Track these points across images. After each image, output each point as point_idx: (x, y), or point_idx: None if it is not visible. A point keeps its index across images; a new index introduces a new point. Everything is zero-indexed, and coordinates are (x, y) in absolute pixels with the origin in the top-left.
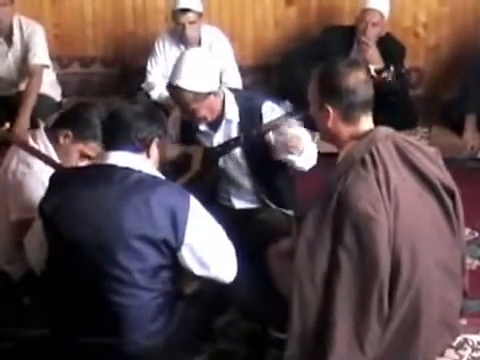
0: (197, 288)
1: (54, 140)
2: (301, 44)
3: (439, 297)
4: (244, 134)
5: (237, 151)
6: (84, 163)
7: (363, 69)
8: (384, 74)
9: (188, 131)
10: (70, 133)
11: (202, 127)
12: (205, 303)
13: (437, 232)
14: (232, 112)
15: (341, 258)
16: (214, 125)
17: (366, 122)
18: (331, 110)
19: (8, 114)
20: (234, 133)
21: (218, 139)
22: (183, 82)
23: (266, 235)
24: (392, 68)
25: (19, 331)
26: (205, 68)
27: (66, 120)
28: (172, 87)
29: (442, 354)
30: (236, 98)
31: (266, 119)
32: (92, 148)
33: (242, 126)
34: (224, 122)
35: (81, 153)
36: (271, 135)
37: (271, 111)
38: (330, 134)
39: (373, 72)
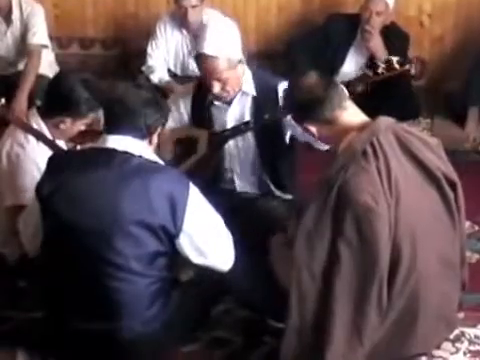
0: (194, 275)
1: (54, 127)
2: (304, 31)
3: (438, 289)
4: (255, 119)
5: (248, 135)
6: (82, 127)
7: (310, 75)
8: (407, 66)
9: (200, 107)
10: (67, 119)
11: (216, 101)
12: (202, 291)
13: (438, 224)
14: (248, 85)
15: (341, 250)
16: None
17: (350, 115)
18: (311, 126)
19: (6, 94)
20: (248, 108)
21: (233, 113)
22: (215, 50)
23: (267, 224)
24: (415, 61)
25: (14, 314)
26: (232, 35)
27: (57, 106)
28: (203, 57)
29: (439, 347)
30: (253, 73)
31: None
32: (93, 119)
33: (257, 102)
34: (239, 95)
35: (87, 125)
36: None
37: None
38: (324, 139)
39: (396, 64)
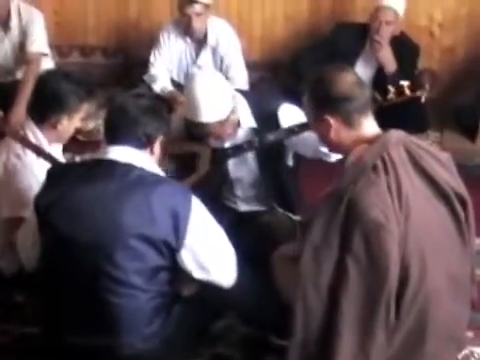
0: (195, 291)
1: (52, 129)
2: (311, 41)
3: (447, 308)
4: (259, 138)
5: (249, 154)
6: (79, 124)
7: (351, 72)
8: (418, 93)
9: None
10: (62, 117)
11: None
12: (203, 306)
13: (447, 242)
14: (247, 119)
15: (349, 266)
16: None
17: (369, 125)
18: (331, 120)
19: (3, 102)
20: (248, 137)
21: (229, 142)
22: (206, 117)
23: (270, 239)
24: (428, 87)
25: (10, 328)
26: (219, 93)
27: (48, 106)
28: (193, 123)
29: None
30: (249, 103)
31: (284, 122)
32: (85, 110)
33: (257, 131)
34: (239, 130)
35: (82, 118)
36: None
37: (289, 114)
38: (334, 144)
39: (407, 90)
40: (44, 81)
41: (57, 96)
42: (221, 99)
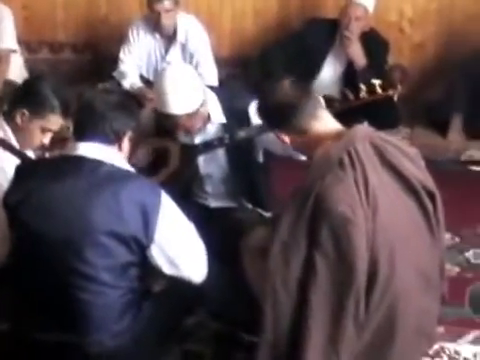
0: (165, 287)
1: (12, 122)
2: (281, 37)
3: (416, 303)
4: (229, 135)
5: (219, 150)
6: (47, 138)
7: (287, 82)
8: (390, 92)
9: (166, 127)
10: (26, 111)
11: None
12: (174, 302)
13: (416, 236)
14: (217, 115)
15: (317, 262)
16: None
17: (324, 124)
18: (283, 135)
19: None
20: (218, 133)
21: (199, 140)
22: (174, 109)
23: (240, 235)
24: (400, 87)
25: None
26: (189, 86)
27: (18, 99)
28: (162, 114)
29: None
30: (219, 98)
31: (255, 119)
32: (53, 122)
33: (228, 127)
34: (209, 125)
35: (42, 129)
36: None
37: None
38: (297, 149)
39: (378, 89)
40: (30, 80)
41: (29, 91)
42: (190, 91)
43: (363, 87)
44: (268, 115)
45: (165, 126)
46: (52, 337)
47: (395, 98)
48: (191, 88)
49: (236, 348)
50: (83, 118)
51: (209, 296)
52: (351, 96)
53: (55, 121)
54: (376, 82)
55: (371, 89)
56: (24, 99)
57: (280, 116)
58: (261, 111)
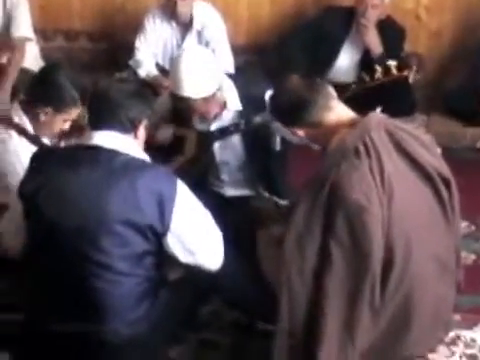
0: (182, 275)
1: (35, 118)
2: (297, 25)
3: (432, 291)
4: (244, 121)
5: (235, 137)
6: (67, 125)
7: (296, 79)
8: (405, 72)
9: (182, 114)
10: (49, 109)
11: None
12: (190, 291)
13: (432, 223)
14: (233, 102)
15: (332, 250)
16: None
17: (338, 114)
18: (299, 130)
19: None
20: (234, 121)
21: (215, 126)
22: (190, 92)
23: (257, 223)
24: (415, 68)
25: None
26: (206, 70)
27: (40, 96)
28: (178, 97)
29: (434, 350)
30: (236, 85)
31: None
32: (74, 113)
33: (245, 114)
34: (225, 111)
35: (65, 120)
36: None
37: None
38: (313, 141)
39: (394, 69)
40: (46, 70)
41: (50, 88)
42: (206, 75)
43: (378, 68)
44: (281, 114)
45: (181, 112)
46: (68, 326)
47: (410, 79)
48: (207, 72)
49: (252, 337)
50: (98, 107)
51: (225, 285)
52: (367, 78)
53: (76, 111)
54: (392, 63)
55: (386, 70)
56: (45, 96)
57: (293, 113)
58: (274, 108)
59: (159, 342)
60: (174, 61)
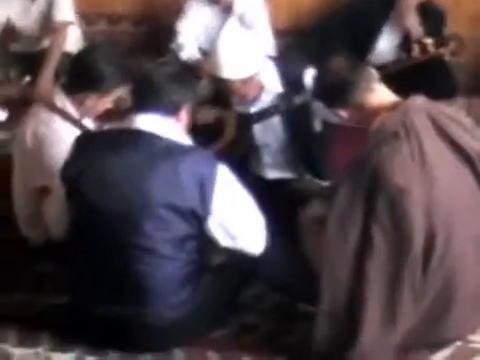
0: (224, 259)
1: (78, 102)
2: (337, 8)
3: (473, 272)
4: (284, 103)
5: (275, 119)
6: (110, 105)
7: (340, 59)
8: (442, 50)
9: (222, 97)
10: (92, 95)
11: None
12: (232, 275)
13: (473, 205)
14: (273, 84)
15: (374, 233)
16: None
17: (381, 94)
18: (342, 112)
19: (31, 72)
20: (274, 102)
21: (255, 108)
22: (228, 73)
23: (299, 206)
24: (452, 45)
25: (38, 299)
26: (246, 51)
27: (81, 81)
28: (219, 79)
29: (475, 332)
30: (275, 66)
31: (309, 87)
32: (119, 92)
33: (284, 96)
34: (264, 94)
35: (110, 101)
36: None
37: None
38: (354, 123)
39: (430, 47)
40: (83, 54)
41: (90, 74)
42: (246, 57)
43: (415, 47)
44: (325, 94)
45: (221, 94)
46: (111, 309)
47: (447, 57)
48: (246, 53)
49: (294, 319)
50: (141, 90)
51: (267, 268)
52: (404, 56)
53: (121, 91)
54: (428, 41)
55: (423, 48)
56: (87, 81)
57: (336, 93)
58: (317, 89)
59: (201, 325)
60: (214, 43)
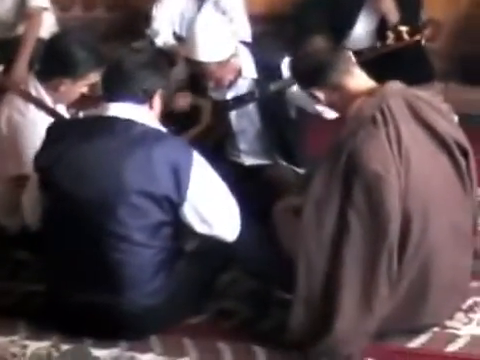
0: (199, 245)
1: (52, 89)
2: None
3: (450, 259)
4: (260, 90)
5: (250, 106)
6: (86, 88)
7: (319, 40)
8: (417, 37)
9: (198, 83)
10: (66, 80)
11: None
12: (207, 260)
13: (449, 192)
14: (248, 69)
15: (350, 219)
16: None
17: (357, 80)
18: (318, 93)
19: (5, 59)
20: (250, 89)
21: (231, 94)
22: (205, 56)
23: (275, 193)
24: (426, 31)
25: (14, 286)
26: (221, 34)
27: (54, 67)
28: (193, 61)
29: (452, 317)
30: (251, 53)
31: (287, 74)
32: (93, 76)
33: (260, 83)
34: (240, 80)
35: (85, 85)
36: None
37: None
38: (330, 106)
39: (406, 34)
40: (55, 40)
41: (65, 59)
42: (221, 39)
43: (390, 34)
44: (302, 73)
45: (197, 80)
46: (86, 297)
47: (423, 42)
48: (221, 36)
49: (270, 306)
50: (112, 79)
51: (242, 254)
52: (378, 44)
53: (95, 75)
54: (403, 28)
55: (398, 36)
56: (60, 67)
57: (314, 74)
58: (295, 70)
59: (177, 312)
60: (190, 27)
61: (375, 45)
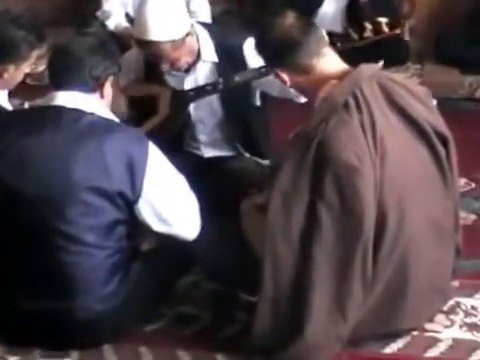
0: (156, 245)
1: None
2: None
3: (429, 257)
4: (224, 80)
5: (212, 96)
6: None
7: (290, 16)
8: (398, 31)
9: (154, 70)
10: (9, 66)
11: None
12: (165, 262)
13: (427, 183)
14: (208, 52)
15: (321, 213)
16: (187, 67)
17: (328, 62)
18: (282, 73)
19: None
20: (210, 75)
21: (190, 82)
22: (156, 35)
23: (237, 187)
24: (407, 25)
25: None
26: (173, 11)
27: None
28: (144, 42)
29: (432, 320)
30: (211, 35)
31: (250, 59)
32: (38, 53)
33: (222, 68)
34: (199, 63)
35: (31, 64)
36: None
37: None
38: (298, 89)
39: (385, 27)
40: None
41: (3, 44)
42: (173, 17)
43: (368, 26)
44: (269, 51)
45: (153, 66)
46: (34, 304)
47: (404, 37)
48: (173, 14)
49: (234, 310)
50: (59, 65)
51: (203, 254)
52: (355, 36)
53: (39, 51)
54: (383, 20)
55: (377, 28)
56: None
57: (282, 52)
58: (261, 47)
59: (133, 317)
60: (139, 6)
61: (351, 37)
